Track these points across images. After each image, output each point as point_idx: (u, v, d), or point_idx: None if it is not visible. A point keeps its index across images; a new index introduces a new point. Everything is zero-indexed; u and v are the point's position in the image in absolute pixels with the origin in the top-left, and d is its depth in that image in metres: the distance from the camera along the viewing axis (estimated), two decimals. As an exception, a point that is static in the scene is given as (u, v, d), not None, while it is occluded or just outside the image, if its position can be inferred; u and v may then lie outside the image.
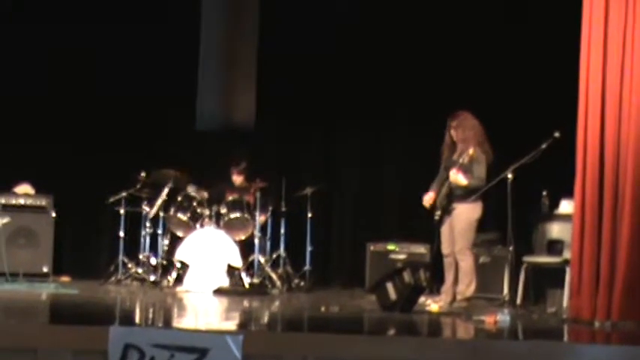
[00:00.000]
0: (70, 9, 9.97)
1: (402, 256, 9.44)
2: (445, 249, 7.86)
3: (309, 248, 9.60)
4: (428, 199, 7.89)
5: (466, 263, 7.68)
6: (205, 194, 9.44)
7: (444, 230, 7.86)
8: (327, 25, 10.24)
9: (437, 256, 8.10)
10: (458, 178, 7.65)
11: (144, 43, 10.11)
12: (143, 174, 9.44)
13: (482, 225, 8.13)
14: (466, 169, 7.67)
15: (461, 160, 7.69)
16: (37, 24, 10.04)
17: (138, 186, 9.50)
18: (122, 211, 9.62)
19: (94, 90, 10.08)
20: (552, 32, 8.81)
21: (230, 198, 9.42)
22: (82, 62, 10.11)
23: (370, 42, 10.15)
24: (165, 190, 9.42)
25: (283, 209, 9.58)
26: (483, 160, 7.69)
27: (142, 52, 10.11)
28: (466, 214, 7.72)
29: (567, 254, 7.71)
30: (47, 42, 10.03)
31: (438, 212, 7.84)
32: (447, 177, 7.80)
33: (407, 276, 7.21)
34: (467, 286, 7.66)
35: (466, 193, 7.71)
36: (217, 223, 9.25)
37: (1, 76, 9.68)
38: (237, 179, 9.81)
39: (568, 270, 7.30)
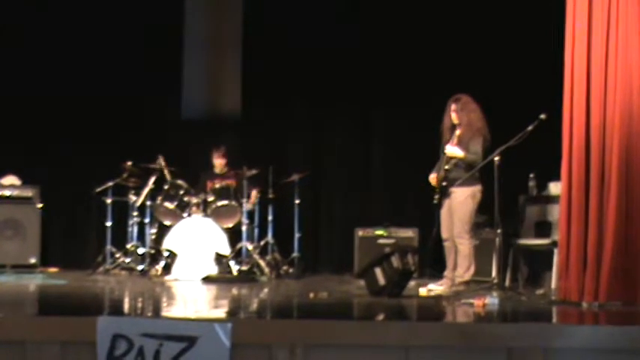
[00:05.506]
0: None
1: (390, 241, 9.44)
2: (444, 233, 7.80)
3: (297, 235, 9.60)
4: (433, 177, 7.85)
5: (465, 247, 7.62)
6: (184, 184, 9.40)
7: (443, 214, 7.79)
8: (312, 11, 10.20)
9: (437, 240, 8.02)
10: (455, 150, 7.64)
11: (129, 32, 10.06)
12: (129, 163, 9.40)
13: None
14: (463, 145, 7.66)
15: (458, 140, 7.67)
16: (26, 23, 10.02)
17: (124, 175, 9.47)
18: (109, 201, 9.60)
19: (79, 80, 10.03)
20: (538, 15, 8.79)
21: (217, 185, 9.39)
22: (66, 52, 10.06)
23: (356, 28, 10.12)
24: (152, 179, 9.39)
25: (271, 196, 9.57)
26: (480, 141, 7.63)
27: (126, 42, 10.07)
28: (464, 197, 7.64)
29: (555, 236, 7.73)
30: (34, 34, 10.00)
31: (437, 196, 7.79)
32: (445, 160, 7.76)
33: (395, 261, 7.20)
34: (465, 270, 7.61)
35: (461, 176, 7.64)
36: (205, 211, 9.23)
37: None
38: (218, 163, 9.77)
39: (556, 252, 7.32)
